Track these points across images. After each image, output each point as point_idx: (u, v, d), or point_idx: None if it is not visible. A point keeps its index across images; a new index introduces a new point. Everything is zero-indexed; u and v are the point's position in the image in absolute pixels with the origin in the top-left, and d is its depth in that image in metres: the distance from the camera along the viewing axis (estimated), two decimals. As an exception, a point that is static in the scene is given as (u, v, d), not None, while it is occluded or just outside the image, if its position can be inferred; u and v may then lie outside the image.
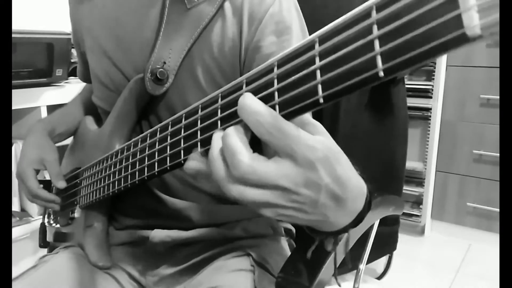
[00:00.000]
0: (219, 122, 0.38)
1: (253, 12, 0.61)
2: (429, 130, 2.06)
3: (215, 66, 0.62)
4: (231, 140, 0.34)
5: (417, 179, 2.16)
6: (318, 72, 0.30)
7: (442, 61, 1.97)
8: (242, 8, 0.61)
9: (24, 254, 1.41)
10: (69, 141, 0.85)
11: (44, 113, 1.39)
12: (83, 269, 0.68)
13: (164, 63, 0.61)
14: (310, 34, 0.65)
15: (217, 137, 0.36)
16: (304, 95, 0.31)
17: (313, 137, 0.33)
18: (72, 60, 1.41)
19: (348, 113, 1.37)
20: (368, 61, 0.27)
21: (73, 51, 1.35)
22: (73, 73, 1.44)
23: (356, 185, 0.38)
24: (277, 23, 0.61)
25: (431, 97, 2.03)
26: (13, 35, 1.18)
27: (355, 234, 0.66)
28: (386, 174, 1.50)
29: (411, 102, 2.05)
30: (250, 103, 0.33)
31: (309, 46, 0.31)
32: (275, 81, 0.33)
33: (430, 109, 2.04)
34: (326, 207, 0.36)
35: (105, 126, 0.71)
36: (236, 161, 0.33)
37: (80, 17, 0.74)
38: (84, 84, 0.89)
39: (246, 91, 0.36)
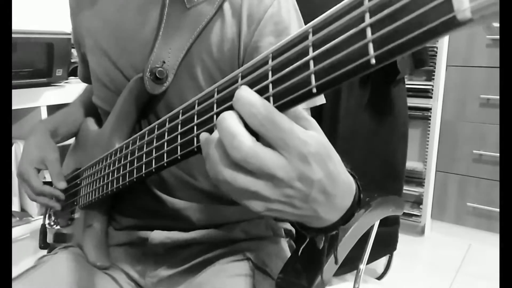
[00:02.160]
0: (215, 116, 0.38)
1: (252, 13, 0.61)
2: (429, 130, 2.06)
3: (214, 66, 0.63)
4: (230, 122, 0.33)
5: (417, 179, 2.16)
6: (311, 62, 0.30)
7: (442, 61, 1.97)
8: (241, 9, 0.61)
9: (24, 254, 1.41)
10: (71, 141, 0.85)
11: (44, 113, 1.39)
12: (82, 269, 0.68)
13: (164, 62, 0.61)
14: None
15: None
16: (298, 85, 0.31)
17: (306, 132, 0.33)
18: (72, 60, 1.41)
19: (348, 113, 1.37)
20: (360, 49, 0.27)
21: (73, 51, 1.35)
22: (73, 73, 1.44)
23: (345, 182, 0.38)
24: (276, 24, 0.61)
25: (431, 97, 2.03)
26: (13, 35, 1.18)
27: (354, 234, 0.66)
28: (386, 174, 1.50)
29: (411, 102, 2.05)
30: (244, 94, 0.33)
31: (303, 37, 0.32)
32: (270, 73, 0.33)
33: (430, 109, 2.04)
34: (316, 202, 0.36)
35: (105, 126, 0.71)
36: (236, 142, 0.32)
37: (81, 17, 0.74)
38: (84, 85, 0.90)
39: (241, 84, 0.36)
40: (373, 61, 0.27)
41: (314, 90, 0.30)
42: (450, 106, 2.01)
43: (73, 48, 1.24)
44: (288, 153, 0.32)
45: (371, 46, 0.27)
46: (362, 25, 0.27)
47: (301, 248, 0.49)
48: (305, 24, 0.66)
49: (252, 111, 0.32)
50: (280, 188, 0.34)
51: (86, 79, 0.83)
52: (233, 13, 0.62)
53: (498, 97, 1.86)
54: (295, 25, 0.62)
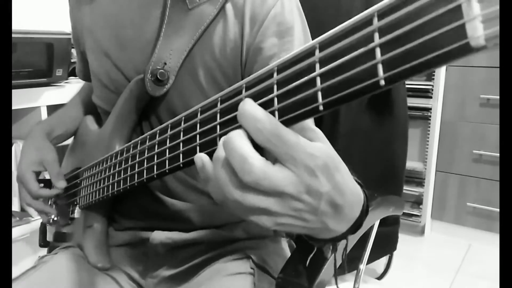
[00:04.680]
0: (218, 126, 0.38)
1: (254, 13, 0.60)
2: (429, 130, 2.06)
3: (216, 67, 0.62)
4: (239, 143, 0.32)
5: (417, 179, 2.16)
6: (318, 79, 0.30)
7: (442, 61, 1.97)
8: (243, 9, 0.61)
9: (24, 254, 1.42)
10: (69, 141, 0.85)
11: (44, 113, 1.39)
12: (82, 270, 0.68)
13: (165, 64, 0.61)
14: (311, 34, 0.65)
15: (221, 142, 0.35)
16: (304, 102, 0.31)
17: (313, 144, 0.33)
18: (72, 60, 1.40)
19: (348, 113, 1.37)
20: (369, 70, 0.27)
21: (73, 51, 1.35)
22: (73, 73, 1.44)
23: (353, 192, 0.38)
24: (279, 25, 0.60)
25: (431, 97, 2.03)
26: (13, 35, 1.18)
27: (355, 235, 0.66)
28: (386, 174, 1.50)
29: (411, 102, 2.04)
30: (249, 109, 0.32)
31: (309, 52, 0.31)
32: (275, 86, 0.33)
33: (430, 109, 2.04)
34: (325, 214, 0.36)
35: (105, 127, 0.70)
36: (247, 165, 0.31)
37: (81, 16, 0.74)
38: (83, 83, 0.89)
39: (245, 96, 0.35)
40: (382, 82, 0.26)
41: (321, 108, 0.30)
42: (450, 106, 2.01)
43: (73, 48, 1.23)
44: (295, 167, 0.32)
45: (380, 67, 0.26)
46: (371, 45, 0.27)
47: (309, 258, 0.49)
48: (308, 26, 0.65)
49: (258, 126, 0.32)
50: (289, 202, 0.33)
51: (86, 77, 0.83)
52: (235, 13, 0.61)
53: (498, 97, 1.86)
54: (298, 26, 0.62)
